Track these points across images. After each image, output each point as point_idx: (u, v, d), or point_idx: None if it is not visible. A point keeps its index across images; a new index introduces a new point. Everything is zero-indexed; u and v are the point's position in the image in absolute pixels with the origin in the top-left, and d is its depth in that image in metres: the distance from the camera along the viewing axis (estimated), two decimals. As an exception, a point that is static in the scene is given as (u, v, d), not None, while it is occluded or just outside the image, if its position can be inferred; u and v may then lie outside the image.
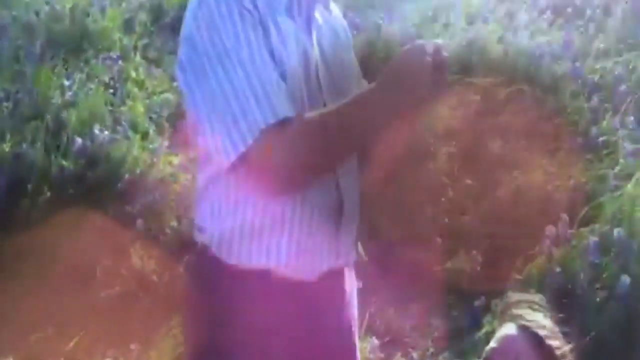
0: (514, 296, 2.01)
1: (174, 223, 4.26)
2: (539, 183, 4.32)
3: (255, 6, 1.56)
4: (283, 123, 1.48)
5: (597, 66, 5.61)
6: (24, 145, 4.61)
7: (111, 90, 5.47)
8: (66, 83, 5.31)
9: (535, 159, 4.56)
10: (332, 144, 1.50)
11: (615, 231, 3.68)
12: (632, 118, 4.75)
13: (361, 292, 1.91)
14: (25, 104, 4.96)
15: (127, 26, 6.80)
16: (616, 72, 5.36)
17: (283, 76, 1.55)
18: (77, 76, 5.39)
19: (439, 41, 1.47)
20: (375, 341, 3.46)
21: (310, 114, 1.54)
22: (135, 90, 5.54)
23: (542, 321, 1.85)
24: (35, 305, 3.57)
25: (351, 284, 1.85)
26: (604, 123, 4.77)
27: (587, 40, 6.06)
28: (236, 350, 1.67)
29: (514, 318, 1.86)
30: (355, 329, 1.88)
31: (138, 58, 6.13)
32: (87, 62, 5.78)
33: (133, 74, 5.80)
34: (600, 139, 4.55)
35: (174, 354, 3.25)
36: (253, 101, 1.48)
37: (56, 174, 4.50)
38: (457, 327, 3.73)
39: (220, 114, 1.50)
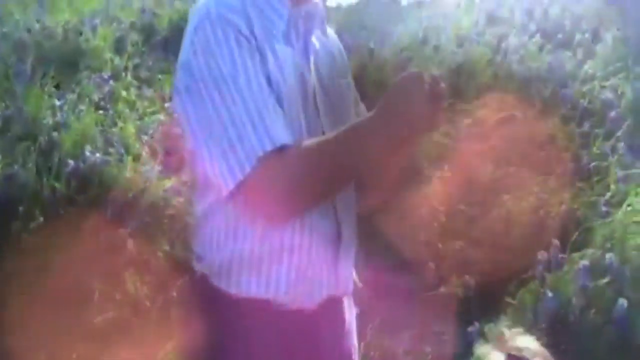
0: (506, 322, 2.02)
1: (167, 246, 4.24)
2: (530, 208, 4.34)
3: (252, 32, 1.55)
4: (280, 150, 1.48)
5: (585, 89, 5.66)
6: (15, 167, 4.58)
7: (102, 111, 5.46)
8: (57, 103, 5.30)
9: (526, 184, 4.58)
10: (330, 171, 1.51)
11: (607, 256, 3.70)
12: (622, 144, 4.79)
13: (356, 318, 1.91)
14: (16, 125, 4.94)
15: (119, 45, 6.81)
16: (604, 97, 5.41)
17: (280, 102, 1.55)
18: (69, 97, 5.38)
19: (435, 72, 1.48)
20: (368, 367, 3.46)
21: (307, 142, 1.54)
22: (127, 111, 5.53)
23: (532, 347, 1.86)
24: (26, 329, 3.53)
25: (350, 311, 1.86)
26: (595, 148, 4.80)
27: (576, 64, 6.12)
28: (235, 379, 1.67)
29: (505, 343, 1.86)
30: (356, 356, 1.88)
31: (129, 78, 6.14)
32: (78, 82, 5.77)
33: (124, 94, 5.80)
34: (592, 164, 4.57)
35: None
36: (250, 128, 1.47)
37: (48, 195, 4.47)
38: (450, 353, 3.73)
39: (217, 141, 1.50)
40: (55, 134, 4.92)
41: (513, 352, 1.83)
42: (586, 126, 5.10)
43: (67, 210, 4.45)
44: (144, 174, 4.80)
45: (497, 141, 4.95)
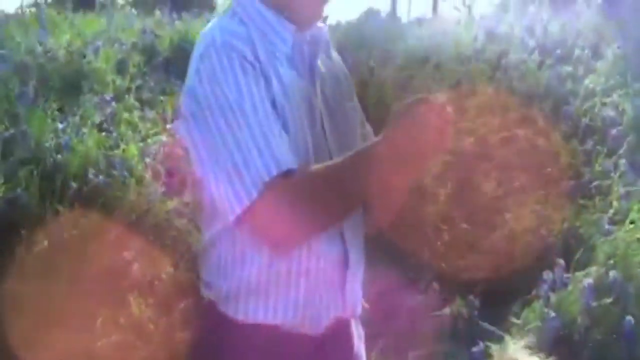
0: (510, 342, 2.01)
1: (170, 268, 4.24)
2: (533, 227, 4.34)
3: (257, 57, 1.57)
4: (286, 175, 1.49)
5: (586, 106, 5.68)
6: (18, 190, 4.58)
7: (105, 133, 5.47)
8: (60, 126, 5.30)
9: (528, 202, 4.59)
10: (336, 197, 1.51)
11: (611, 274, 3.70)
12: (624, 161, 4.79)
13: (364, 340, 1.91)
14: (18, 148, 4.95)
15: (121, 67, 6.84)
16: (606, 114, 5.43)
17: (285, 125, 1.56)
18: (71, 119, 5.39)
19: (442, 96, 1.47)
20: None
21: (313, 167, 1.55)
22: (129, 132, 5.54)
23: None
24: (30, 352, 3.53)
25: (358, 333, 1.86)
26: (597, 166, 4.81)
27: (577, 81, 6.13)
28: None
29: None
30: (364, 380, 1.88)
31: (131, 100, 6.15)
32: (81, 104, 5.78)
33: (126, 116, 5.81)
34: (594, 183, 4.58)
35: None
36: (256, 153, 1.48)
37: (51, 218, 4.47)
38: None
39: (223, 167, 1.50)
40: (58, 156, 4.92)
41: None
42: (588, 144, 5.11)
43: (71, 233, 4.45)
44: (147, 195, 4.81)
45: (499, 159, 4.96)
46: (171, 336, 3.64)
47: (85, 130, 5.29)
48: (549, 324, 3.59)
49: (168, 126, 5.72)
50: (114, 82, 6.41)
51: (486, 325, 3.80)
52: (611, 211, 4.31)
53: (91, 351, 3.62)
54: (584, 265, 3.90)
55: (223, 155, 1.50)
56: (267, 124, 1.51)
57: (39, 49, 6.61)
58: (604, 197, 4.57)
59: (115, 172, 4.91)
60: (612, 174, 4.72)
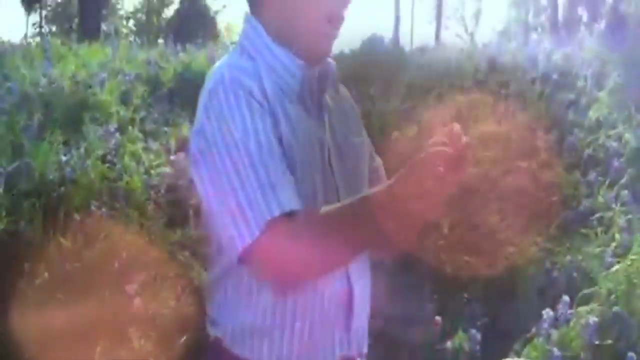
0: None
1: (173, 302, 4.24)
2: (536, 259, 4.34)
3: (265, 94, 1.58)
4: (289, 216, 1.48)
5: (590, 138, 5.69)
6: (22, 223, 4.59)
7: (108, 165, 5.49)
8: (64, 159, 5.33)
9: (530, 235, 4.59)
10: (338, 242, 1.49)
11: (614, 309, 3.69)
12: (626, 192, 4.80)
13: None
14: (22, 180, 4.97)
15: (125, 98, 6.87)
16: (609, 145, 5.44)
17: (292, 162, 1.56)
18: (75, 152, 5.41)
19: (456, 126, 1.42)
20: None
21: (317, 210, 1.54)
22: (133, 164, 5.56)
23: None
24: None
25: (364, 371, 1.86)
26: (599, 198, 4.81)
27: (579, 112, 6.15)
28: None
29: None
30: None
31: (135, 131, 6.18)
32: (85, 136, 5.81)
33: (130, 148, 5.84)
34: (596, 215, 4.58)
35: None
36: (259, 193, 1.48)
37: (54, 251, 4.48)
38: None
39: (228, 206, 1.50)
40: (61, 189, 4.94)
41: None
42: (591, 175, 5.12)
43: (73, 265, 4.45)
44: (150, 228, 4.82)
45: (502, 190, 4.96)
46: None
47: (89, 162, 5.32)
48: (551, 361, 3.57)
49: (172, 157, 5.75)
50: (118, 113, 6.44)
51: (488, 360, 3.79)
52: (613, 244, 4.30)
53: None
54: (587, 299, 3.88)
55: (228, 194, 1.50)
56: (271, 164, 1.51)
57: (44, 80, 6.64)
58: (607, 229, 4.56)
59: (118, 205, 4.93)
60: (614, 206, 4.71)
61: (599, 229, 4.57)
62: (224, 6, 48.02)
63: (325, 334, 1.68)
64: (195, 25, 32.08)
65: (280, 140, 1.56)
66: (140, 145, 5.92)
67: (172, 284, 4.35)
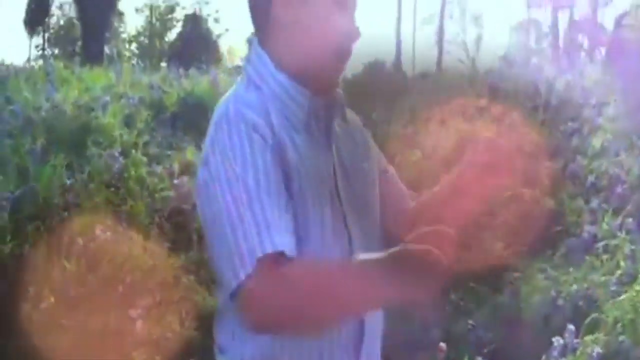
0: None
1: (177, 326, 4.23)
2: (541, 287, 4.33)
3: (271, 126, 1.58)
4: (281, 257, 1.46)
5: (593, 165, 5.70)
6: (26, 247, 4.59)
7: (112, 189, 5.50)
8: (67, 182, 5.34)
9: (535, 263, 4.59)
10: (324, 301, 1.44)
11: (620, 339, 3.68)
12: (631, 220, 4.80)
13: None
14: (27, 205, 4.97)
15: (128, 121, 6.89)
16: (612, 172, 5.45)
17: (299, 192, 1.56)
18: (79, 176, 5.42)
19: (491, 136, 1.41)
20: None
21: (311, 262, 1.53)
22: (137, 188, 5.57)
23: None
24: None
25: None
26: (604, 225, 4.81)
27: (582, 139, 6.17)
28: None
29: None
30: None
31: (139, 155, 6.19)
32: (89, 160, 5.82)
33: (133, 172, 5.85)
34: (601, 243, 4.58)
35: None
36: (254, 229, 1.47)
37: (58, 275, 4.47)
38: None
39: (224, 240, 1.50)
40: (65, 213, 4.95)
41: None
42: (594, 202, 5.12)
43: (77, 290, 4.44)
44: (154, 252, 4.82)
45: (505, 219, 4.96)
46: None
47: (92, 186, 5.33)
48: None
49: (175, 182, 5.76)
50: (121, 136, 6.46)
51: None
52: (619, 272, 4.30)
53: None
54: (592, 328, 3.87)
55: (226, 228, 1.50)
56: (267, 201, 1.50)
57: (47, 104, 6.67)
58: (611, 257, 4.55)
59: (121, 229, 4.92)
60: (619, 233, 4.71)
61: (604, 257, 4.56)
62: (227, 30, 48.35)
63: None
64: (197, 48, 32.28)
65: (285, 172, 1.56)
66: (144, 169, 5.93)
67: (176, 308, 4.34)
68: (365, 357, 1.73)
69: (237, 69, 11.88)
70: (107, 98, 7.05)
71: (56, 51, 37.75)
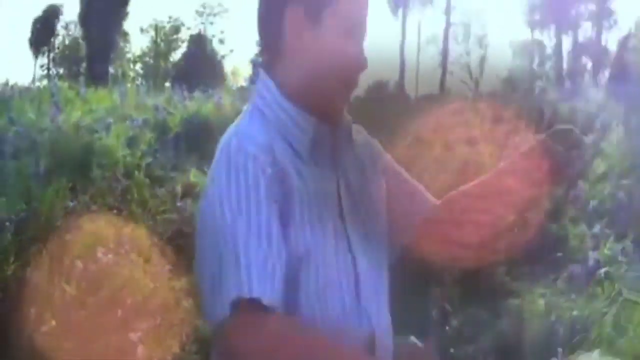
0: None
1: (177, 350, 4.23)
2: (541, 313, 4.32)
3: (273, 156, 1.57)
4: (258, 307, 1.44)
5: (595, 190, 5.69)
6: (28, 269, 4.60)
7: (115, 211, 5.51)
8: (70, 204, 5.35)
9: (536, 287, 4.58)
10: None
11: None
12: (631, 244, 4.79)
13: None
14: (29, 226, 4.98)
15: (132, 143, 6.91)
16: (615, 197, 5.44)
17: (304, 217, 1.56)
18: (82, 197, 5.44)
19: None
20: None
21: (292, 320, 1.53)
22: (139, 210, 5.58)
23: None
24: None
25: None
26: (606, 251, 4.80)
27: (585, 164, 6.16)
28: None
29: None
30: None
31: (142, 177, 6.20)
32: (92, 181, 5.84)
33: (136, 195, 5.86)
34: (603, 269, 4.56)
35: None
36: (233, 271, 1.45)
37: (59, 298, 4.47)
38: None
39: (207, 276, 1.50)
40: (67, 235, 4.95)
41: None
42: (596, 227, 5.11)
43: (79, 312, 4.44)
44: (155, 275, 4.81)
45: (507, 242, 4.95)
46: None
47: (95, 207, 5.34)
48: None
49: (178, 204, 5.77)
50: (124, 158, 6.47)
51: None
52: (621, 299, 4.28)
53: None
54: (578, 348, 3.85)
55: (211, 264, 1.50)
56: (254, 247, 1.48)
57: (51, 126, 6.69)
58: (613, 283, 4.54)
59: (123, 251, 4.93)
60: (620, 259, 4.70)
61: (606, 282, 4.55)
62: (232, 50, 48.48)
63: None
64: (202, 69, 32.37)
65: (287, 198, 1.55)
66: (146, 192, 5.94)
67: (177, 331, 4.33)
68: None
69: (241, 90, 11.90)
70: (110, 119, 7.06)
71: (61, 71, 37.94)
